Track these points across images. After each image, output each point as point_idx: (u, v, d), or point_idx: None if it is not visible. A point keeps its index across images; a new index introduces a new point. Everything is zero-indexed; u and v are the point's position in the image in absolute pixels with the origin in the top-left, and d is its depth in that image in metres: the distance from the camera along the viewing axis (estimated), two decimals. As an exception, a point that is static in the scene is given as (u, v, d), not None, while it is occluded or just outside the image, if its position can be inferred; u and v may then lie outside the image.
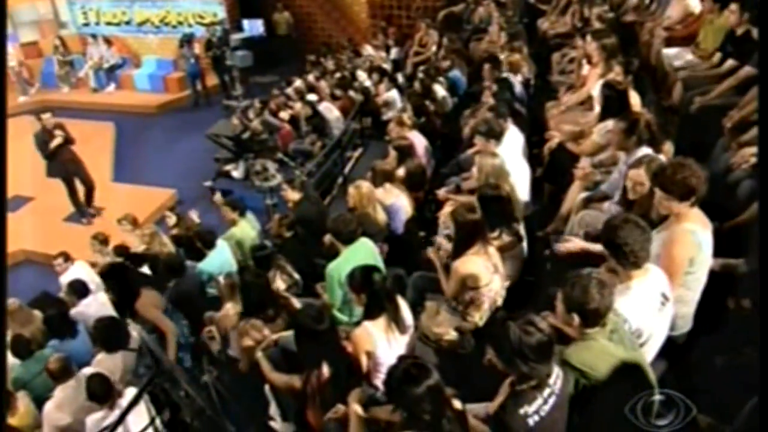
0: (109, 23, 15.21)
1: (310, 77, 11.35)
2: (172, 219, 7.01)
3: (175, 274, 5.26)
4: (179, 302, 5.08)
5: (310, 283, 4.66)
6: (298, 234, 5.54)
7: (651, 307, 2.79)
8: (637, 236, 2.69)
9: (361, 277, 3.24)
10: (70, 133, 8.62)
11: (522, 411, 2.26)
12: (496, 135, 4.73)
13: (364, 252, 4.05)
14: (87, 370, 4.14)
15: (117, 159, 11.13)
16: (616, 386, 2.45)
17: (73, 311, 5.21)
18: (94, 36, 14.56)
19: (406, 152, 5.94)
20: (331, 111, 9.47)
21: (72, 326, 4.95)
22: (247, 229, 5.91)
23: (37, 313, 5.29)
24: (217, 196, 7.54)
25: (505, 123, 5.14)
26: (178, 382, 3.09)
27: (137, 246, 6.36)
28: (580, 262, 3.33)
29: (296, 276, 4.74)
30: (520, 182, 4.65)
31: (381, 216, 4.92)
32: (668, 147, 4.27)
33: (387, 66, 11.25)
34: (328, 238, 4.67)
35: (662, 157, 3.72)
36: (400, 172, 5.69)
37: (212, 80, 13.90)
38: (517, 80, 6.75)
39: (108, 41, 14.53)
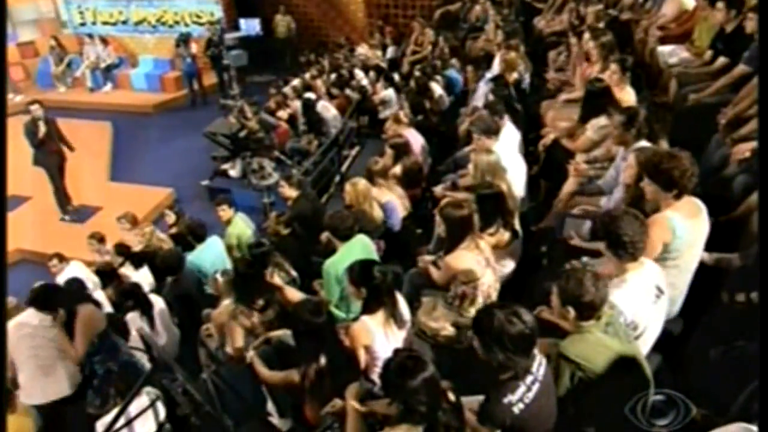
0: (105, 23, 15.21)
1: (307, 76, 11.37)
2: (171, 217, 7.01)
3: (173, 271, 5.27)
4: (177, 299, 5.09)
5: (308, 281, 4.67)
6: (296, 231, 5.55)
7: (646, 299, 2.81)
8: (635, 228, 2.71)
9: (361, 271, 3.24)
10: (65, 136, 8.75)
11: (506, 400, 2.29)
12: (492, 132, 4.75)
13: (360, 248, 4.07)
14: None
15: (114, 158, 11.12)
16: (612, 379, 2.47)
17: None
18: (90, 35, 14.57)
19: (402, 150, 5.96)
20: (328, 109, 9.48)
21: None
22: (242, 226, 5.91)
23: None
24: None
25: (501, 120, 5.16)
26: (176, 377, 3.10)
27: (136, 245, 6.38)
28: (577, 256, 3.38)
29: (293, 273, 4.75)
30: (516, 179, 4.68)
31: (377, 213, 4.94)
32: (662, 143, 4.30)
33: (382, 65, 11.26)
34: (325, 235, 4.68)
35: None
36: (397, 169, 5.71)
37: (209, 79, 13.91)
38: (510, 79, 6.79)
39: (105, 41, 14.53)
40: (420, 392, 2.21)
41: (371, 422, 2.73)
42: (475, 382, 2.89)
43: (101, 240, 6.55)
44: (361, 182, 4.96)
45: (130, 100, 13.88)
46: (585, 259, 3.29)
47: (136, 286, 5.25)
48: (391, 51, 12.60)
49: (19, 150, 8.39)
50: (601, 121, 4.51)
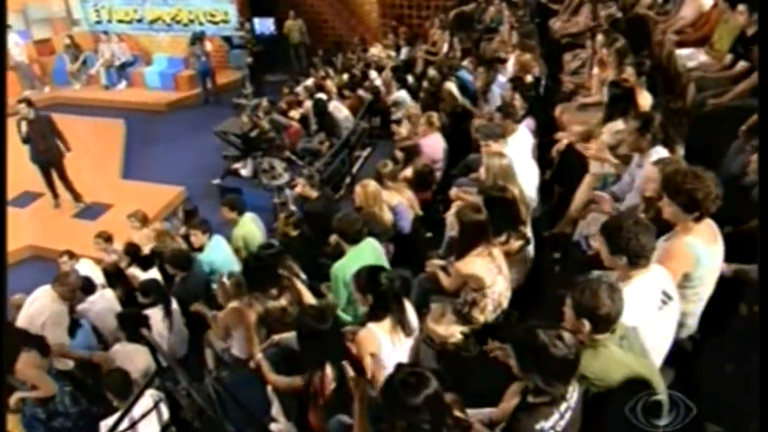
0: (120, 21, 15.26)
1: (320, 76, 11.33)
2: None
3: (182, 269, 5.25)
4: (185, 298, 5.07)
5: (316, 284, 4.63)
6: (304, 233, 5.51)
7: (649, 305, 2.68)
8: (643, 237, 2.60)
9: (368, 278, 3.18)
10: (63, 133, 8.77)
11: (538, 426, 2.16)
12: (496, 136, 4.67)
13: (369, 252, 4.01)
14: None
15: (127, 156, 11.16)
16: (625, 393, 2.38)
17: (79, 307, 5.21)
18: (105, 33, 14.65)
19: (412, 153, 5.92)
20: (339, 110, 9.44)
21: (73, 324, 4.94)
22: (250, 226, 5.86)
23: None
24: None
25: (514, 123, 5.09)
26: (180, 381, 3.06)
27: (145, 243, 6.36)
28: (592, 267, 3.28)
29: (302, 276, 4.71)
30: (528, 184, 4.60)
31: (387, 216, 4.88)
32: (678, 150, 4.19)
33: (394, 65, 11.19)
34: (333, 237, 4.63)
35: (683, 163, 3.62)
36: (408, 172, 5.66)
37: (222, 78, 13.92)
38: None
39: (119, 39, 14.60)
40: (423, 410, 2.11)
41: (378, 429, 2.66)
42: (482, 391, 2.83)
43: (108, 239, 6.55)
44: (372, 184, 4.90)
45: (143, 98, 13.93)
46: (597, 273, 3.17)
47: (156, 282, 5.25)
48: (404, 52, 12.52)
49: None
50: (618, 125, 4.42)
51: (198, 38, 13.29)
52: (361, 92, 10.16)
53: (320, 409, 3.07)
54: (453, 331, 3.42)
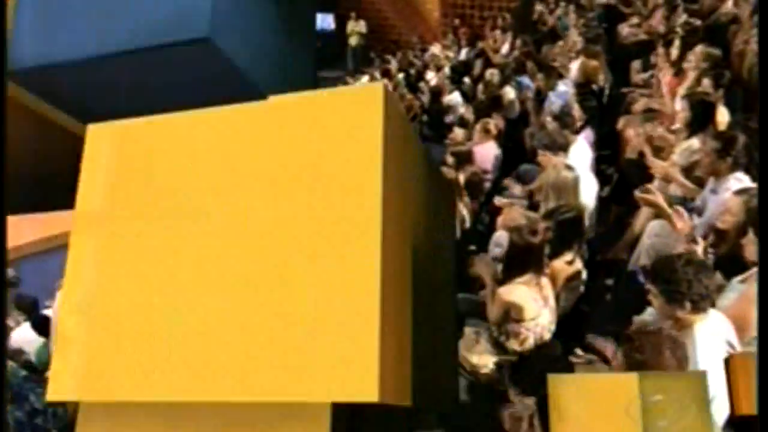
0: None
1: (377, 74, 11.17)
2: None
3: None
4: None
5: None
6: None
7: (716, 356, 2.35)
8: (705, 278, 2.29)
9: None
10: None
11: None
12: (557, 147, 4.32)
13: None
14: None
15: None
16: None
17: None
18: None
19: (464, 159, 5.66)
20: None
21: None
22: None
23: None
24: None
25: (572, 135, 4.73)
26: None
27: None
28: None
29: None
30: (586, 200, 4.23)
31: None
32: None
33: (452, 65, 10.91)
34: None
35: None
36: (460, 177, 5.41)
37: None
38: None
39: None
40: None
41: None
42: None
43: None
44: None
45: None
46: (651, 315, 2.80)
47: None
48: (464, 53, 12.19)
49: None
50: (693, 143, 3.98)
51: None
52: (415, 93, 9.91)
53: None
54: (486, 361, 3.12)
